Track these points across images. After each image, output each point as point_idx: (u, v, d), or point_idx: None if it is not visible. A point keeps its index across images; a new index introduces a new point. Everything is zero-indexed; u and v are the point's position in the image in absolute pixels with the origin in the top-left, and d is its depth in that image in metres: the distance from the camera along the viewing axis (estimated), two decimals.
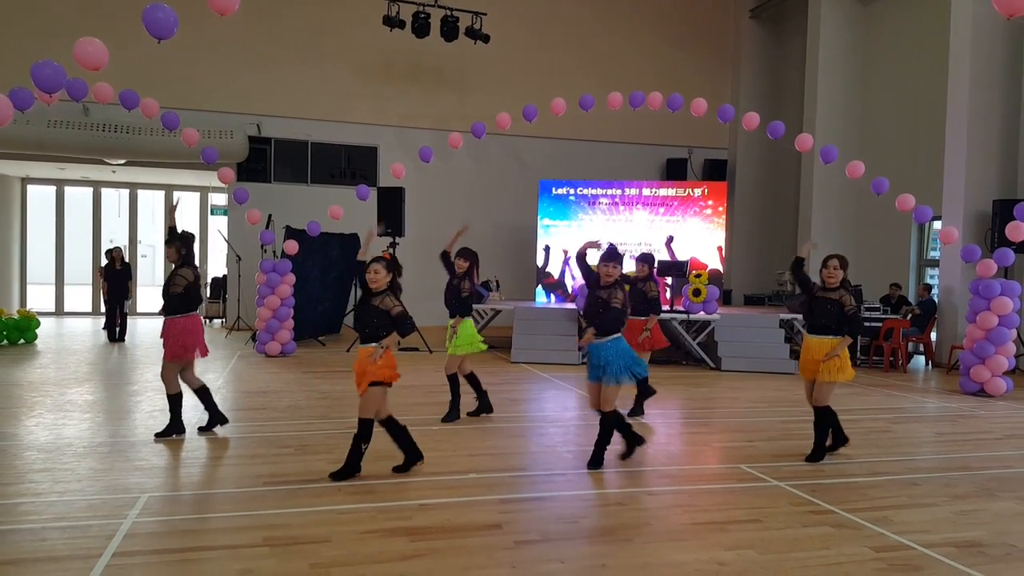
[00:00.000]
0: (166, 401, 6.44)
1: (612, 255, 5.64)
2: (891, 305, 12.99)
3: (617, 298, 5.56)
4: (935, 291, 12.86)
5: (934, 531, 4.44)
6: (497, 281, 15.00)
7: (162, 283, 6.63)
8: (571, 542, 4.19)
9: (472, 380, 7.48)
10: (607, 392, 5.59)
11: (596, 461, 5.65)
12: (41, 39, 14.43)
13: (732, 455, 6.08)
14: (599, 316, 5.57)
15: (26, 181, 18.82)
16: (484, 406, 7.55)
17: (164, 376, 6.41)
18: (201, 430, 6.54)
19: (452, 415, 7.29)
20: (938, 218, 12.50)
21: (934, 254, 14.15)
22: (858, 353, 12.58)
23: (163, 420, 6.91)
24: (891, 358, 12.05)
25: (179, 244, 6.47)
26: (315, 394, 8.68)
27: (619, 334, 5.60)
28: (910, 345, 12.91)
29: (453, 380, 7.36)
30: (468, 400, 7.54)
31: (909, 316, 12.51)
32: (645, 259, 7.87)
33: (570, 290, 15.69)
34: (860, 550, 4.11)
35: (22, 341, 12.84)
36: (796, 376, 10.96)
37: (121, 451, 5.95)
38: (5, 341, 12.66)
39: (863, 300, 12.84)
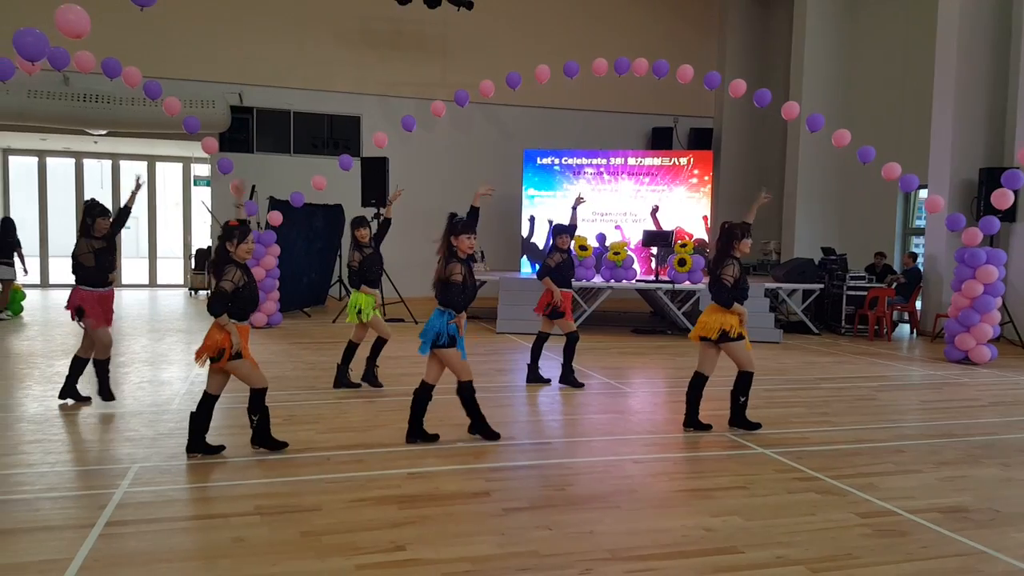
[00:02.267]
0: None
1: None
2: (876, 274, 13.08)
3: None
4: (920, 260, 12.96)
5: (919, 497, 4.52)
6: (482, 252, 14.96)
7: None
8: (559, 509, 4.23)
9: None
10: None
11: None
12: (20, 6, 14.14)
13: (717, 423, 6.13)
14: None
15: (7, 152, 18.56)
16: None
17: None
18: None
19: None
20: (924, 186, 12.55)
21: (920, 223, 14.23)
22: (843, 321, 12.69)
23: (151, 391, 6.91)
24: (876, 327, 12.16)
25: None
26: (302, 364, 8.68)
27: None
28: (895, 314, 13.03)
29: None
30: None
31: (894, 285, 12.60)
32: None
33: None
34: (846, 516, 4.18)
35: (8, 314, 12.73)
36: (782, 345, 11.08)
37: (110, 422, 5.94)
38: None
39: (848, 269, 12.93)
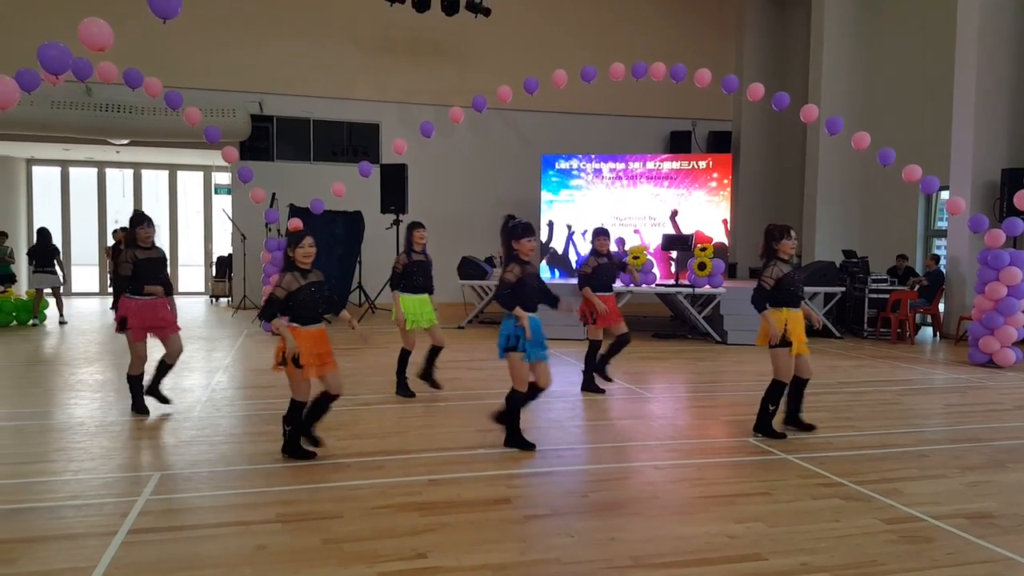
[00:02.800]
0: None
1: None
2: (898, 276, 12.95)
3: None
4: (943, 262, 12.81)
5: (944, 503, 4.46)
6: (500, 257, 14.94)
7: (167, 263, 6.60)
8: (580, 516, 4.22)
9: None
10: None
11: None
12: (44, 18, 14.35)
13: (739, 428, 6.09)
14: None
15: (31, 162, 18.79)
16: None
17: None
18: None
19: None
20: (946, 188, 12.41)
21: (942, 224, 14.08)
22: (865, 325, 12.58)
23: (174, 399, 6.95)
24: (899, 330, 12.03)
25: None
26: None
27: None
28: (918, 316, 12.89)
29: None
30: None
31: (916, 287, 12.47)
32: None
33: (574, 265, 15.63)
34: (870, 522, 4.13)
35: (32, 322, 12.90)
36: None
37: (133, 430, 5.99)
38: (15, 322, 12.72)
39: (870, 271, 12.82)
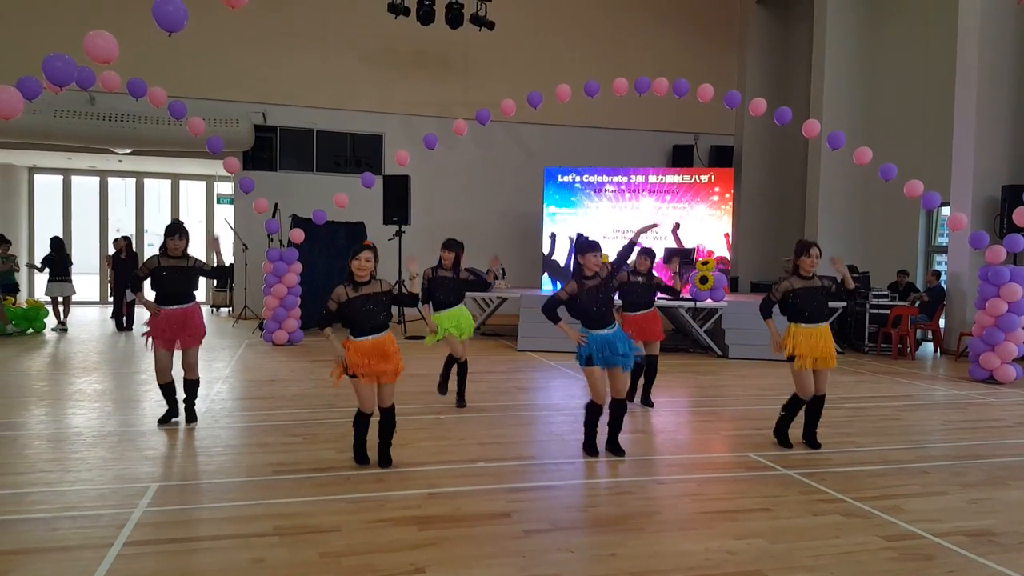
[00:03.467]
0: (176, 391, 6.47)
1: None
2: (899, 292, 12.94)
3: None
4: (943, 278, 12.80)
5: (945, 520, 4.43)
6: (503, 269, 14.97)
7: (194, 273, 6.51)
8: (580, 531, 4.19)
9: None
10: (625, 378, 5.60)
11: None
12: (48, 27, 14.42)
13: (741, 443, 6.07)
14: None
15: (33, 171, 18.83)
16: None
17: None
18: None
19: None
20: (946, 204, 12.42)
21: (942, 240, 14.08)
22: (866, 340, 12.56)
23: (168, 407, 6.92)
24: (899, 345, 12.01)
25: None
26: (322, 383, 8.68)
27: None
28: (918, 332, 12.86)
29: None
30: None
31: (917, 303, 12.45)
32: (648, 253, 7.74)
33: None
34: (871, 539, 4.10)
35: (31, 330, 12.90)
36: None
37: (130, 440, 5.97)
38: (15, 330, 12.71)
39: (871, 287, 12.81)
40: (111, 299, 14.76)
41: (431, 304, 7.12)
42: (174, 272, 6.25)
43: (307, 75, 16.59)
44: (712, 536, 4.12)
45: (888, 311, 12.36)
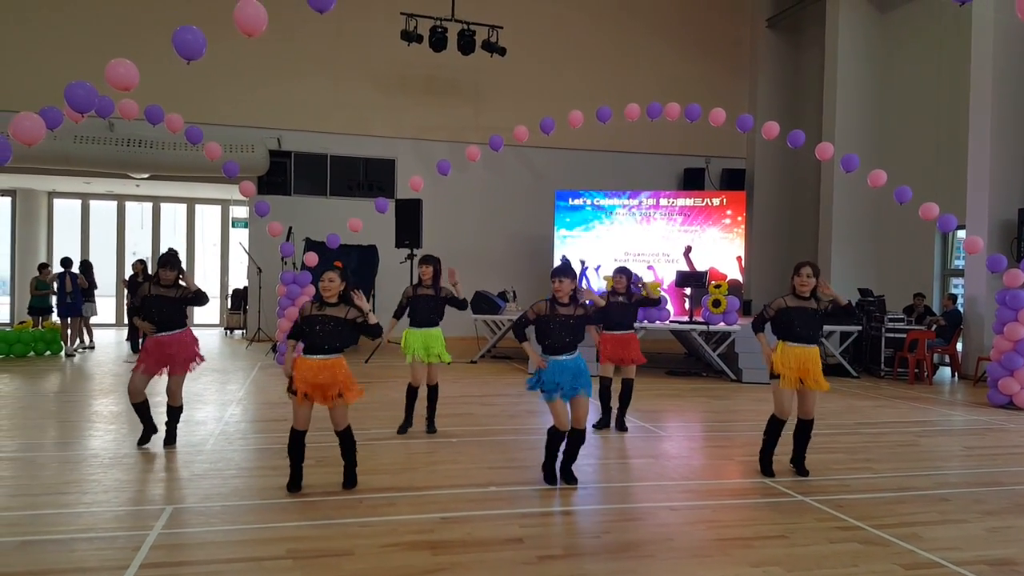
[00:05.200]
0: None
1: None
2: (915, 316, 12.85)
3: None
4: (960, 301, 12.71)
5: (965, 548, 4.37)
6: (514, 292, 15.00)
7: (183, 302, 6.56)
8: (594, 557, 4.16)
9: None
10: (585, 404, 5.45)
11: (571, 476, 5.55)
12: (69, 56, 14.65)
13: (755, 469, 6.01)
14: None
15: (52, 195, 19.07)
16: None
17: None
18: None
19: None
20: (962, 227, 12.37)
21: (959, 263, 14.00)
22: (882, 364, 12.47)
23: (186, 431, 6.96)
24: (916, 370, 11.91)
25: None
26: None
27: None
28: (935, 356, 12.76)
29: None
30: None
31: (934, 327, 12.36)
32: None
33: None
34: (889, 567, 4.05)
35: (48, 353, 13.00)
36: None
37: (146, 462, 5.99)
38: (32, 353, 12.82)
39: (886, 310, 12.73)
40: (127, 322, 14.87)
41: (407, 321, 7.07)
42: (160, 301, 6.35)
43: (321, 101, 16.78)
44: (728, 564, 4.08)
45: (904, 335, 12.27)
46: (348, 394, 5.12)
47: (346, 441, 5.29)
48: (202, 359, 6.63)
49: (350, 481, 5.30)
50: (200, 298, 6.53)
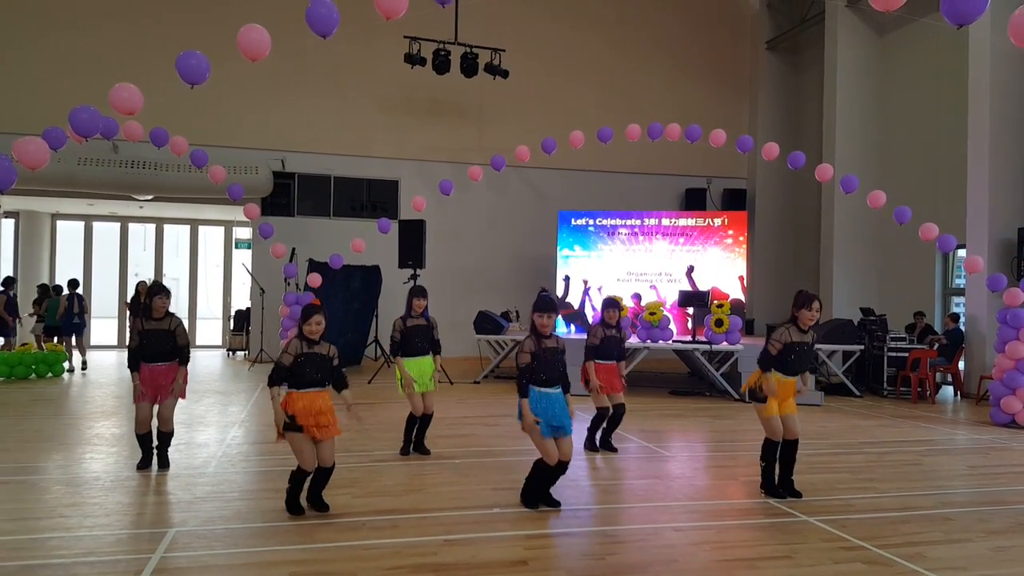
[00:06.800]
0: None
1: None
2: (916, 335, 12.85)
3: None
4: (962, 320, 12.71)
5: (970, 568, 4.36)
6: (516, 312, 15.02)
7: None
8: None
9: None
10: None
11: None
12: (74, 79, 14.78)
13: (759, 489, 6.00)
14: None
15: (56, 217, 19.17)
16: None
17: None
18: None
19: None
20: (962, 246, 12.39)
21: (959, 282, 14.01)
22: (885, 383, 12.44)
23: (187, 453, 6.96)
24: (919, 389, 11.89)
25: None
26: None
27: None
28: (938, 375, 12.74)
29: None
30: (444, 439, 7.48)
31: (936, 346, 12.35)
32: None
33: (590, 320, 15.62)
34: None
35: (50, 375, 13.01)
36: (823, 408, 10.86)
37: (147, 485, 5.98)
38: (33, 375, 12.83)
39: (888, 329, 12.73)
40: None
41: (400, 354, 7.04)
42: (154, 335, 6.41)
43: (325, 123, 16.91)
44: None
45: (906, 354, 12.26)
46: (336, 423, 5.18)
47: (329, 474, 5.28)
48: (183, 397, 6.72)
49: (321, 504, 5.27)
50: (184, 354, 6.59)
